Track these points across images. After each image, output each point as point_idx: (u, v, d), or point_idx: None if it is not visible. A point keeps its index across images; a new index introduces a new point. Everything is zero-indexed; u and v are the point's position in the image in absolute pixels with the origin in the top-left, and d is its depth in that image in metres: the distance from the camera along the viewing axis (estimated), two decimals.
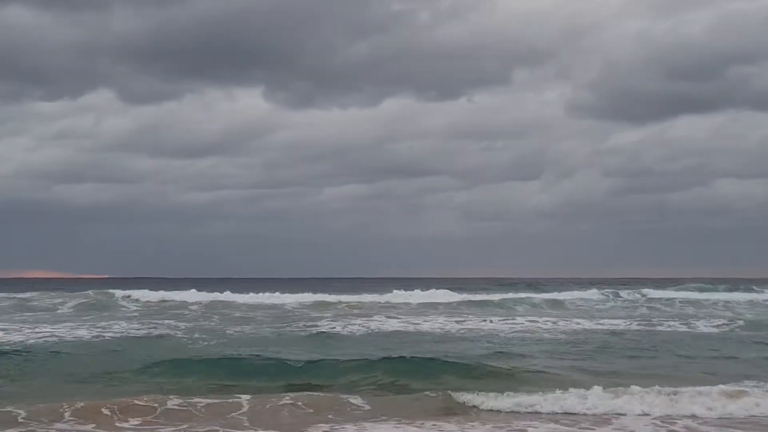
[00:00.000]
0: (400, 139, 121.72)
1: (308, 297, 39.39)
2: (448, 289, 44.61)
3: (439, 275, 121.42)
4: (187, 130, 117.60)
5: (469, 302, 38.05)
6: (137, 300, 37.51)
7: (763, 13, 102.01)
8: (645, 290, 46.47)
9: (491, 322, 27.58)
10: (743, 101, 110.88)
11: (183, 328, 24.37)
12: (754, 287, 52.83)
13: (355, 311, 32.90)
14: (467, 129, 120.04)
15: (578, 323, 27.01)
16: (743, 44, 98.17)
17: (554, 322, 27.15)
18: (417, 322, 27.24)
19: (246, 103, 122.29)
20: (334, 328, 24.49)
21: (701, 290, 49.83)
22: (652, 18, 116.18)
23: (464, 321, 27.98)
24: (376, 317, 29.10)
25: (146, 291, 40.48)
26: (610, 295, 43.76)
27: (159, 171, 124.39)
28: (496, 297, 40.03)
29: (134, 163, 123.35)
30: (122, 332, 22.87)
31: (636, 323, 27.60)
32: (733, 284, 58.80)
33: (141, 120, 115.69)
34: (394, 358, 16.31)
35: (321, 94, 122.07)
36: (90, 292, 39.76)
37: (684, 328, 25.64)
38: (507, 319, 28.65)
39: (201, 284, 58.85)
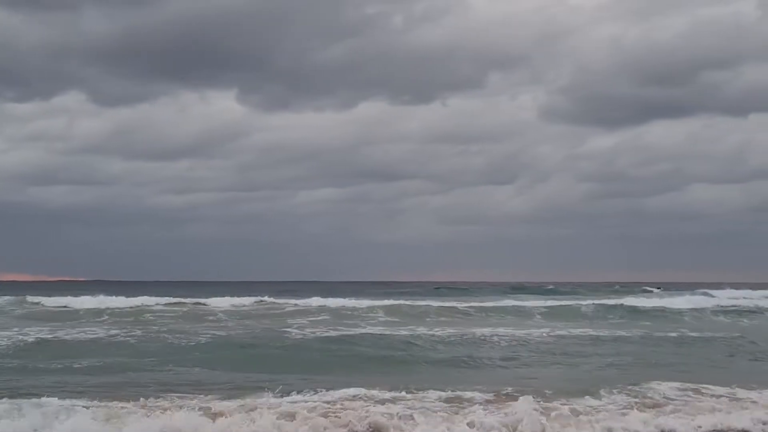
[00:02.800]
0: (376, 143, 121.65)
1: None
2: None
3: (415, 279, 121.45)
4: (161, 133, 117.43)
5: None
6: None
7: (735, 19, 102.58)
8: None
9: None
10: (716, 107, 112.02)
11: None
12: None
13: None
14: (442, 133, 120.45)
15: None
16: (716, 50, 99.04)
17: None
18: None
19: (220, 106, 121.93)
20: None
21: None
22: (625, 24, 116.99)
23: None
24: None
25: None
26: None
27: (133, 173, 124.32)
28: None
29: (108, 165, 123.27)
30: None
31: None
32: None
33: (114, 122, 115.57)
34: None
35: (295, 97, 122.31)
36: None
37: None
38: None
39: (178, 287, 58.22)
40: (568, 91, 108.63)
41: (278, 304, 39.02)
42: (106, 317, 30.10)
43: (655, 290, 62.29)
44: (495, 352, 20.42)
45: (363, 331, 24.63)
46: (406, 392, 12.39)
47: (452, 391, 12.52)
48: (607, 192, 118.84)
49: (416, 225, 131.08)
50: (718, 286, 61.63)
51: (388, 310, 33.79)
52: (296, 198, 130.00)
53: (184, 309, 34.87)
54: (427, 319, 30.99)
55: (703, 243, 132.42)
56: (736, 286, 60.67)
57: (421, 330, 25.03)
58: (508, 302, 40.07)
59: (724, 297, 46.01)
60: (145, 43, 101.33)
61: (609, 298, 43.12)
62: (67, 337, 21.89)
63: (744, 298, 46.86)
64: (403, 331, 24.27)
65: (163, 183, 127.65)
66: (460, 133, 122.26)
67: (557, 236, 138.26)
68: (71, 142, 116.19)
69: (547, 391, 12.57)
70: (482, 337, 23.20)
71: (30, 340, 20.94)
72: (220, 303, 37.79)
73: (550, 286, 68.51)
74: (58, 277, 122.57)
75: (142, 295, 42.18)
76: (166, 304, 36.96)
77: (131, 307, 34.14)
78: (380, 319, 30.90)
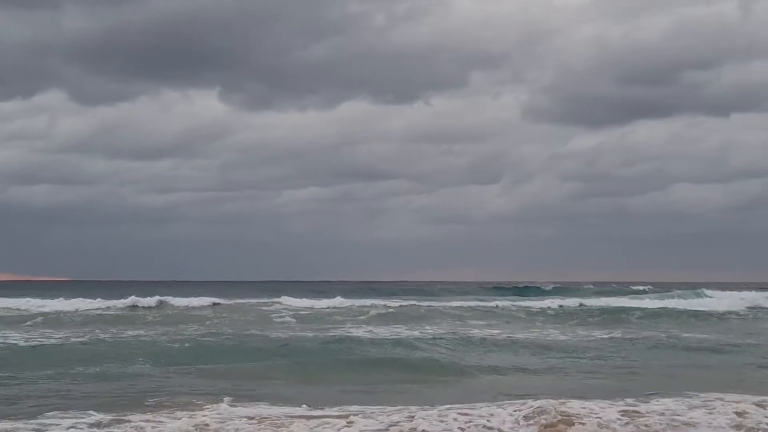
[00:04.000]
0: (359, 142, 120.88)
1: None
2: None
3: (398, 278, 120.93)
4: (144, 132, 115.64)
5: None
6: None
7: (717, 19, 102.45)
8: None
9: None
10: (698, 107, 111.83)
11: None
12: None
13: None
14: (425, 132, 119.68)
15: None
16: (698, 50, 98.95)
17: None
18: None
19: (202, 105, 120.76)
20: None
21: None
22: (608, 23, 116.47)
23: None
24: None
25: None
26: None
27: (115, 173, 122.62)
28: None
29: (90, 164, 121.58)
30: None
31: None
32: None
33: (96, 121, 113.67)
34: None
35: (277, 95, 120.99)
36: None
37: None
38: None
39: (160, 287, 56.50)
40: (551, 90, 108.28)
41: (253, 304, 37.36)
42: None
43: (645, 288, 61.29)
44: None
45: (362, 333, 23.80)
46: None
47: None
48: (590, 191, 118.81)
49: (400, 224, 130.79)
50: (706, 285, 61.24)
51: (381, 310, 32.87)
52: (280, 197, 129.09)
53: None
54: (430, 320, 30.06)
55: (686, 242, 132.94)
56: (719, 286, 60.33)
57: (431, 331, 24.51)
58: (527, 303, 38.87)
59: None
60: (127, 41, 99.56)
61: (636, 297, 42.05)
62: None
63: None
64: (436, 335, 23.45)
65: (145, 182, 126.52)
66: (444, 132, 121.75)
67: (541, 236, 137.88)
68: (53, 140, 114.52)
69: None
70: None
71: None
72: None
73: (550, 286, 65.32)
74: (42, 277, 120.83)
75: (121, 294, 40.97)
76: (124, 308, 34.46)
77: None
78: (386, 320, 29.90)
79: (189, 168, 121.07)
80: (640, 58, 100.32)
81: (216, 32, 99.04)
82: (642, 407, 10.78)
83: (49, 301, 34.75)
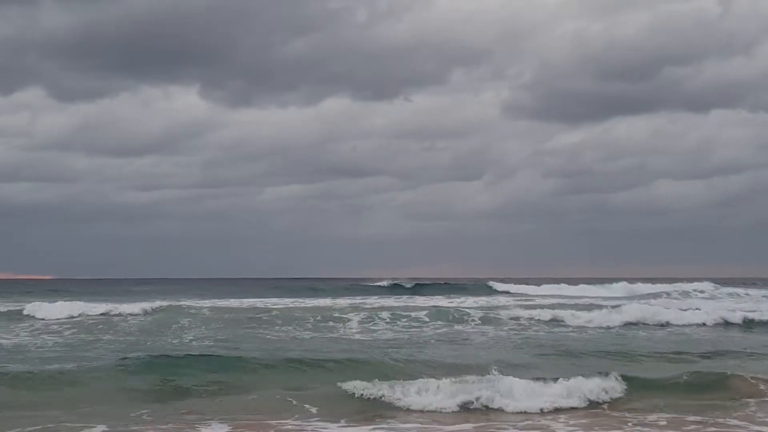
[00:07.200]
0: (341, 139, 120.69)
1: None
2: None
3: (382, 275, 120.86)
4: (124, 129, 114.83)
5: None
6: None
7: (696, 15, 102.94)
8: None
9: None
10: (677, 102, 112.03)
11: None
12: None
13: None
14: (408, 129, 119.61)
15: None
16: (677, 46, 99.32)
17: None
18: None
19: (182, 102, 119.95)
20: None
21: None
22: (588, 19, 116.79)
23: None
24: None
25: None
26: None
27: (97, 170, 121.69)
28: None
29: (71, 161, 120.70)
30: None
31: None
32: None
33: (76, 118, 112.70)
34: None
35: (258, 92, 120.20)
36: None
37: None
38: None
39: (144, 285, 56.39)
40: (532, 87, 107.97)
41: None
42: None
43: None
44: None
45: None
46: None
47: None
48: (572, 188, 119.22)
49: (383, 221, 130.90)
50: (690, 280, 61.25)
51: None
52: (262, 195, 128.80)
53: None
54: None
55: (667, 238, 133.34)
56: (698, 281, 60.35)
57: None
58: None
59: None
60: (105, 37, 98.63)
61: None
62: None
63: None
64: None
65: (127, 180, 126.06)
66: (426, 129, 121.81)
67: (524, 231, 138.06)
68: (33, 138, 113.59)
69: None
70: None
71: None
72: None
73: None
74: (24, 275, 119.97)
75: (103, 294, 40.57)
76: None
77: None
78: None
79: (170, 165, 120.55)
80: (620, 54, 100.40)
81: (195, 28, 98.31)
82: None
83: None
